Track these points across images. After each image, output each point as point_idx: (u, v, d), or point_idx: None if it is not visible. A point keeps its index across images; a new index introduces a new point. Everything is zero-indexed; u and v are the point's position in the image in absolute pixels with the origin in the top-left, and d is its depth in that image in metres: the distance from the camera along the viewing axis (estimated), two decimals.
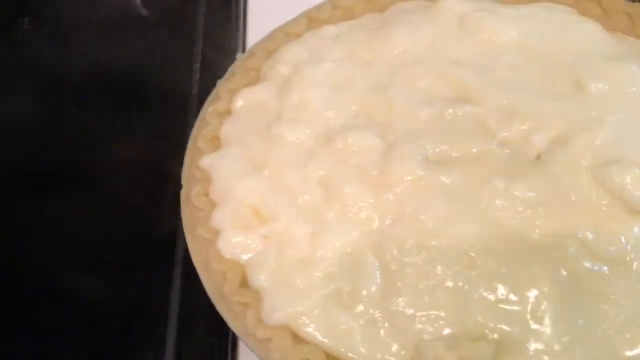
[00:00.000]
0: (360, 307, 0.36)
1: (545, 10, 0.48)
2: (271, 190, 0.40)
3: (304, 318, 0.35)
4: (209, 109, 0.45)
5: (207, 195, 0.41)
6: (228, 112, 0.45)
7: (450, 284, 0.35)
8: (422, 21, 0.48)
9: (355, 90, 0.45)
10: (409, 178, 0.39)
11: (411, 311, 0.35)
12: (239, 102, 0.45)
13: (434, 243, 0.36)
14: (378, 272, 0.36)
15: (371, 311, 0.35)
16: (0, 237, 0.47)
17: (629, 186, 0.37)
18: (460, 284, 0.35)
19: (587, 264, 0.36)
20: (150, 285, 0.43)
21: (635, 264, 0.36)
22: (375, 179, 0.39)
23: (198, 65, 0.52)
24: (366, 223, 0.38)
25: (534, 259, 0.36)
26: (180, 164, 0.43)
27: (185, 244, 0.40)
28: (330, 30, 0.50)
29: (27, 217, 0.48)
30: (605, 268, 0.36)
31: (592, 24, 0.47)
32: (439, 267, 0.36)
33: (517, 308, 0.34)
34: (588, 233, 0.37)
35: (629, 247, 0.36)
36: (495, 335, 0.34)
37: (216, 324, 0.37)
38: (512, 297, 0.35)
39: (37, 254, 0.46)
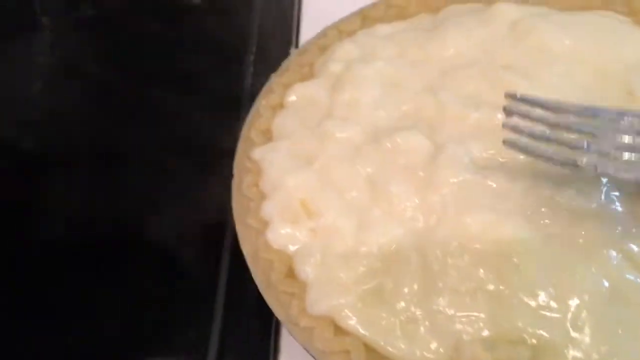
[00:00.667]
0: (402, 304, 0.37)
1: (599, 18, 0.48)
2: (319, 184, 0.41)
3: (346, 311, 0.37)
4: (262, 102, 0.46)
5: (257, 185, 0.42)
6: (281, 106, 0.46)
7: (491, 287, 0.36)
8: (475, 24, 0.48)
9: (406, 90, 0.45)
10: (455, 180, 0.39)
11: (451, 311, 0.36)
12: (291, 97, 0.46)
13: (477, 246, 0.37)
14: (421, 271, 0.37)
15: (412, 309, 0.36)
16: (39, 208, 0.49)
17: None
18: (501, 287, 0.36)
19: (630, 276, 0.36)
20: (198, 271, 0.44)
21: None
22: (421, 179, 0.40)
23: (252, 57, 0.53)
24: (411, 222, 0.39)
25: (577, 267, 0.36)
26: (231, 152, 0.45)
27: (234, 231, 0.41)
28: (383, 29, 0.51)
29: (71, 189, 0.50)
30: None
31: None
32: (481, 270, 0.36)
33: (557, 315, 0.35)
34: (632, 245, 0.37)
35: None
36: (534, 341, 0.35)
37: (260, 311, 0.38)
38: (553, 304, 0.35)
39: (82, 236, 0.48)
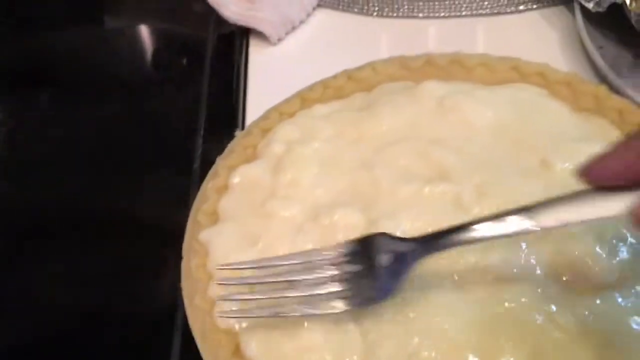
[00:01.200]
0: None
1: (518, 91, 0.53)
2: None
3: None
4: (208, 185, 0.49)
5: (205, 266, 0.44)
6: (226, 188, 0.49)
7: (425, 354, 0.38)
8: (404, 102, 0.52)
9: (343, 168, 0.49)
10: None
11: None
12: (236, 179, 0.49)
13: (410, 315, 0.40)
14: (359, 341, 0.40)
15: None
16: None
17: (588, 262, 0.41)
18: (434, 354, 0.38)
19: (552, 335, 0.39)
20: (150, 349, 0.46)
21: (596, 334, 0.39)
22: None
23: (200, 140, 0.56)
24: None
25: (502, 329, 0.39)
26: (181, 234, 0.47)
27: (185, 311, 0.44)
28: (321, 109, 0.54)
29: (30, 282, 0.51)
30: (568, 338, 0.39)
31: (561, 105, 0.51)
32: (415, 339, 0.39)
33: None
34: (552, 305, 0.40)
35: (590, 319, 0.39)
36: None
37: None
38: None
39: (39, 312, 0.49)
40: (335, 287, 0.38)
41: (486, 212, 0.44)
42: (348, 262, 0.39)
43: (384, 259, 0.39)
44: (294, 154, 0.49)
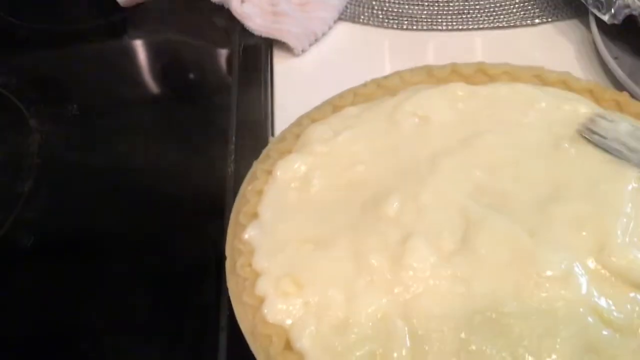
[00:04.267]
0: None
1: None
2: (309, 259, 0.44)
3: None
4: (248, 187, 0.50)
5: (250, 265, 0.45)
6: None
7: (474, 347, 0.39)
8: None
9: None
10: None
11: None
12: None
13: (458, 312, 0.40)
14: (407, 336, 0.40)
15: None
16: (44, 301, 0.51)
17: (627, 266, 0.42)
18: (484, 348, 0.39)
19: (602, 331, 0.40)
20: (197, 352, 0.46)
21: None
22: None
23: (232, 147, 0.57)
24: (393, 291, 0.42)
25: (557, 326, 0.39)
26: (220, 234, 0.48)
27: (229, 310, 0.44)
28: (351, 111, 0.55)
29: (72, 283, 0.51)
30: (617, 335, 0.40)
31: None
32: (462, 334, 0.40)
33: None
34: (603, 303, 0.41)
35: (635, 315, 0.40)
36: None
37: None
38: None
39: (81, 320, 0.49)
40: None
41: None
42: None
43: None
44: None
